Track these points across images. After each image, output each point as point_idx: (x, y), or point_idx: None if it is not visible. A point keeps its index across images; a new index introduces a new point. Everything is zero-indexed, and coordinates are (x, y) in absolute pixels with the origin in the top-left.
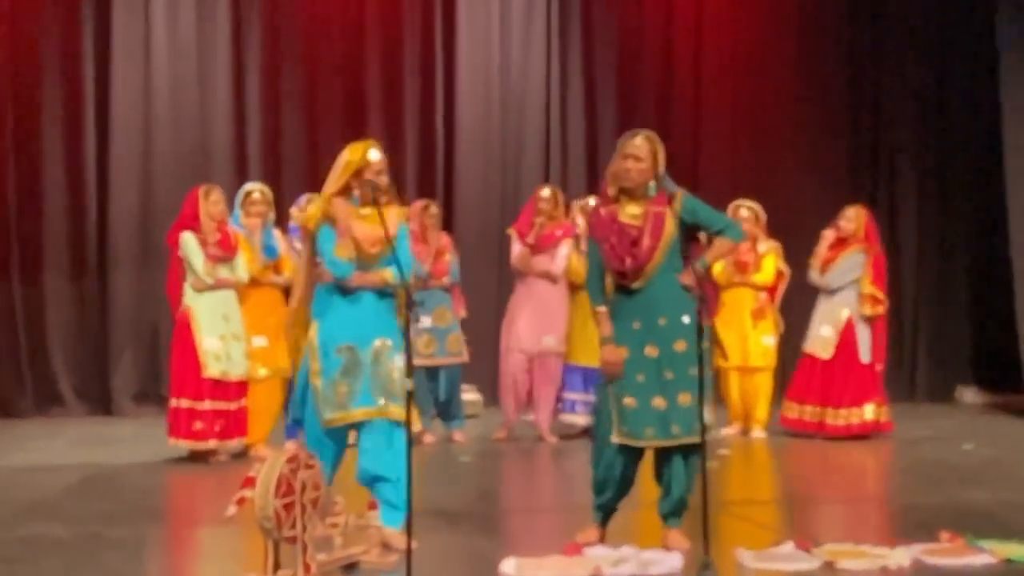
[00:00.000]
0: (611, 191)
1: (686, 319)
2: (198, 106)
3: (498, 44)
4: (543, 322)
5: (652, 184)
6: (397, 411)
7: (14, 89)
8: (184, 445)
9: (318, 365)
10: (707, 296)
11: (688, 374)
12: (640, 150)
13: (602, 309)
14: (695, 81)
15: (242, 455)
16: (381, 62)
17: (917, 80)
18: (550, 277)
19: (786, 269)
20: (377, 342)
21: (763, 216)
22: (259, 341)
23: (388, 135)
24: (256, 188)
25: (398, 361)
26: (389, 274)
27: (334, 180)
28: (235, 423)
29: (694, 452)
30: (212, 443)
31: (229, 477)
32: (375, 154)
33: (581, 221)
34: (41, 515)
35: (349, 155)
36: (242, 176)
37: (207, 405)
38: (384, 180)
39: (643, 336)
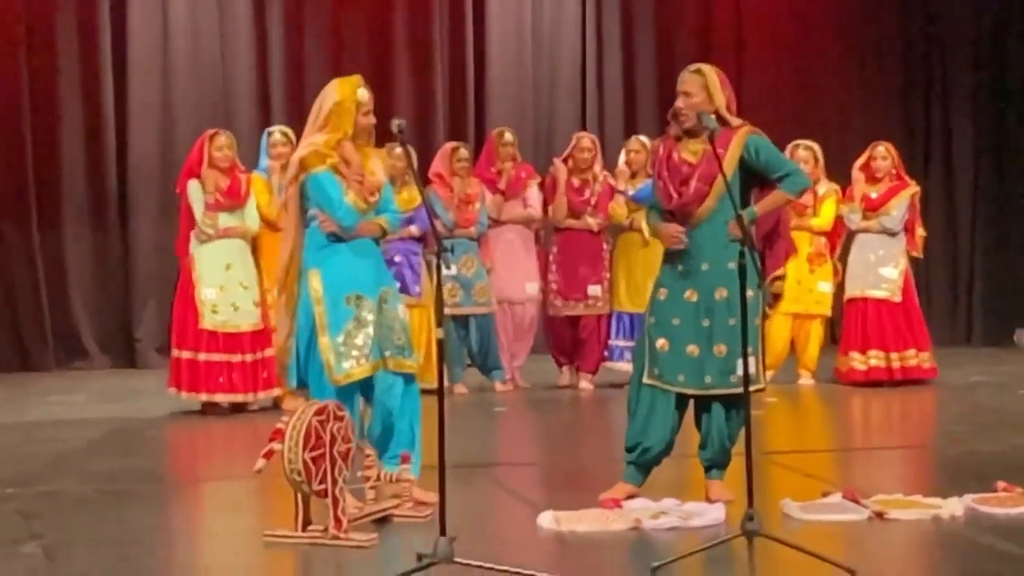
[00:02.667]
0: (672, 129)
1: (731, 266)
2: (218, 49)
3: None
4: (523, 269)
5: (712, 116)
6: (408, 363)
7: (28, 35)
8: (184, 397)
9: (325, 319)
10: (766, 248)
11: (727, 324)
12: (689, 84)
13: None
14: (736, 20)
15: (270, 407)
16: (408, 3)
17: (974, 16)
18: (528, 221)
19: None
20: (381, 291)
21: (821, 157)
22: None
23: (416, 77)
24: (277, 129)
25: (401, 310)
26: (385, 221)
27: (335, 124)
28: (252, 374)
29: (736, 402)
30: (217, 396)
31: (256, 430)
32: (364, 93)
33: (623, 161)
34: (64, 470)
35: (339, 95)
36: (265, 122)
37: (205, 357)
38: (372, 120)
39: (685, 280)
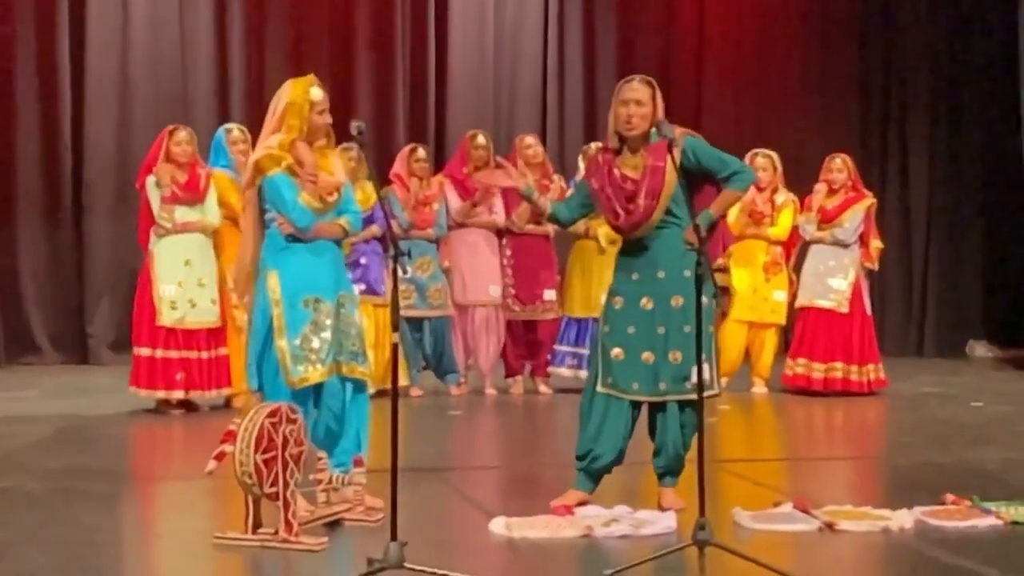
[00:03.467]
0: (611, 142)
1: (687, 273)
2: (178, 46)
3: None
4: (486, 273)
5: (653, 131)
6: (360, 369)
7: None
8: (143, 394)
9: (283, 321)
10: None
11: (682, 331)
12: (640, 93)
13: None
14: (698, 24)
15: (223, 406)
16: (370, 3)
17: (930, 29)
18: (492, 227)
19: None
20: (339, 295)
21: (780, 166)
22: None
23: (377, 78)
24: (235, 127)
25: (357, 316)
26: (347, 222)
27: (289, 124)
28: (207, 372)
29: (689, 409)
30: (176, 393)
31: (209, 430)
32: (317, 92)
33: (583, 168)
34: (14, 468)
35: (291, 95)
36: (224, 120)
37: (164, 354)
38: (328, 119)
39: (640, 288)
